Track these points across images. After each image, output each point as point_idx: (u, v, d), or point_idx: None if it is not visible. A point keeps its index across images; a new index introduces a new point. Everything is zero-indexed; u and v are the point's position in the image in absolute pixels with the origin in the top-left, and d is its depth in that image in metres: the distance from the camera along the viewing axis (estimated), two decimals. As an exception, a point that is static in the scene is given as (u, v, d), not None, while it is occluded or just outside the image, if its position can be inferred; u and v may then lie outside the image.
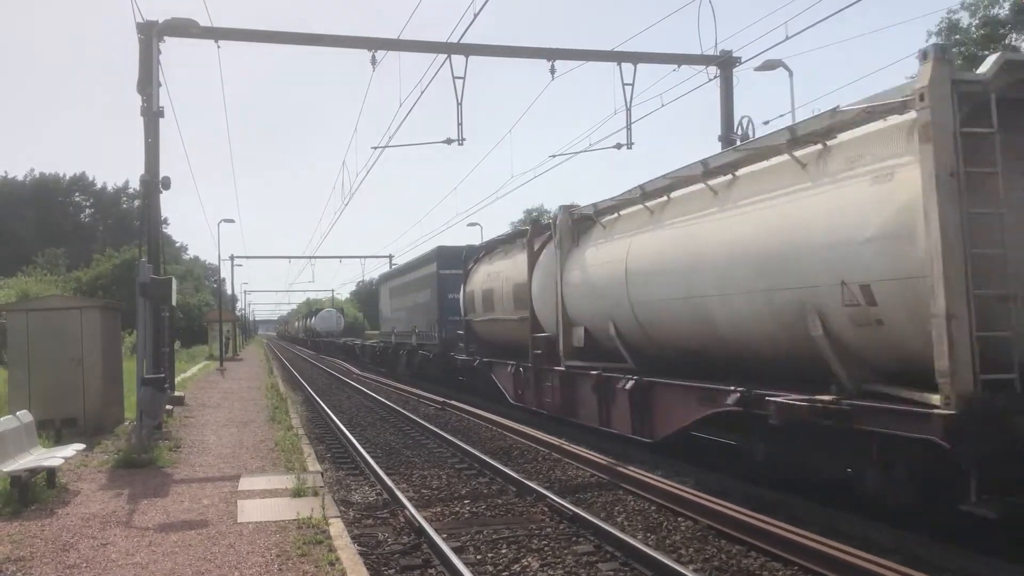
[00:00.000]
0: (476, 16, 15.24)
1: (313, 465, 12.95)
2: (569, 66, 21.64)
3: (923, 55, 7.52)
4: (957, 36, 42.33)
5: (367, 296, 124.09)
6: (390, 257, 68.78)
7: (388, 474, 12.70)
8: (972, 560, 7.43)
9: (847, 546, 7.54)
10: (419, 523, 9.44)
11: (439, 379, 28.76)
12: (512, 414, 19.25)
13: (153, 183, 18.12)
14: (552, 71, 20.79)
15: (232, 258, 66.67)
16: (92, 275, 56.69)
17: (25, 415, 11.90)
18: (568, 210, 16.18)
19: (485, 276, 22.29)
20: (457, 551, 8.42)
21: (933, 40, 42.56)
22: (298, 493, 10.54)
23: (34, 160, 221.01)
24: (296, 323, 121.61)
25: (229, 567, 7.66)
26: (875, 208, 8.06)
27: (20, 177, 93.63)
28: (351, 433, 17.40)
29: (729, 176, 10.99)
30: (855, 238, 8.23)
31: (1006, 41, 42.46)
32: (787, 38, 16.40)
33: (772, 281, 9.56)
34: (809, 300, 8.97)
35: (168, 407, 18.00)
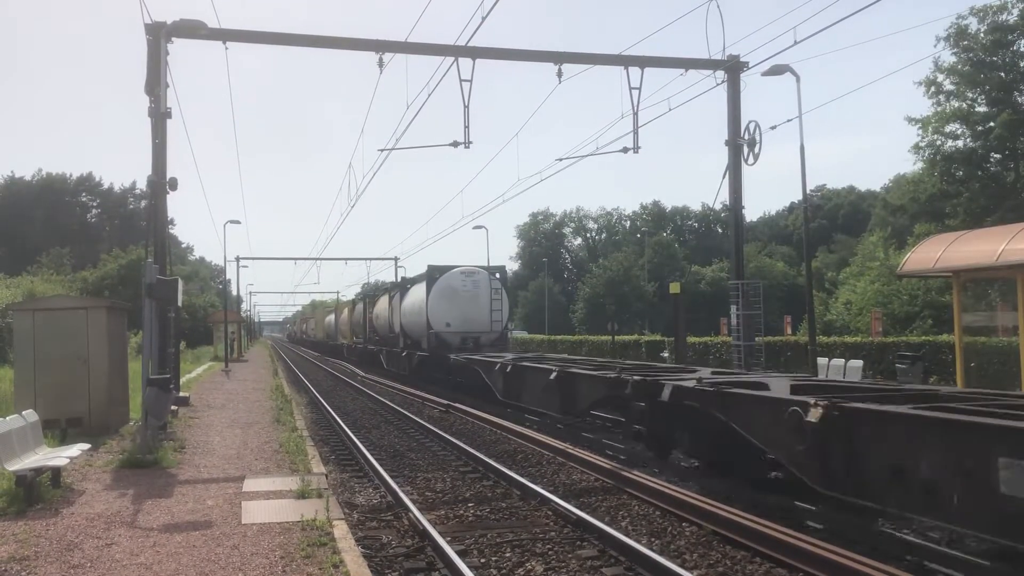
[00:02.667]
0: (484, 19, 15.30)
1: (317, 467, 12.95)
2: (576, 70, 21.67)
3: None
4: (966, 42, 42.29)
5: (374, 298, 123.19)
6: (396, 259, 68.81)
7: (392, 477, 12.69)
8: (980, 567, 7.39)
9: (853, 552, 7.51)
10: (423, 526, 9.43)
11: None
12: (519, 417, 19.22)
13: (160, 184, 18.15)
14: (559, 74, 20.81)
15: (238, 259, 66.76)
16: (98, 275, 56.87)
17: (31, 414, 11.92)
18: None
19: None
20: (461, 554, 8.41)
21: (942, 45, 42.55)
22: (302, 495, 10.54)
23: (41, 160, 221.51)
24: (329, 319, 75.21)
25: (233, 568, 7.66)
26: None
27: (27, 177, 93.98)
28: (355, 435, 17.40)
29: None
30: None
31: (1014, 47, 42.42)
32: (795, 43, 16.45)
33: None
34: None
35: (173, 408, 17.99)
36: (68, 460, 11.44)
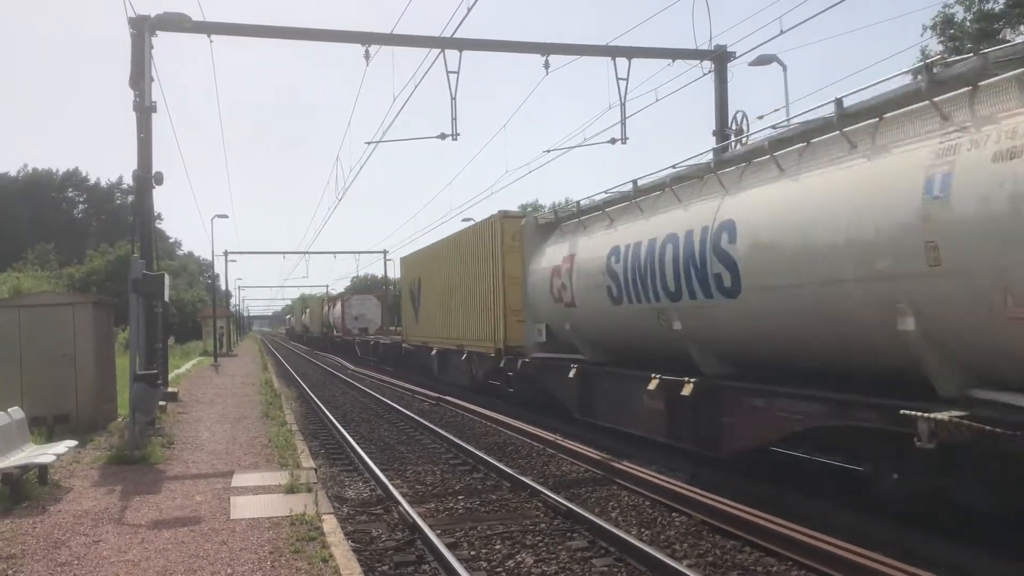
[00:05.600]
0: (470, 10, 15.23)
1: (307, 461, 12.91)
2: (563, 61, 21.59)
3: None
4: (952, 30, 42.40)
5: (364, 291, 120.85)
6: (384, 252, 68.60)
7: (382, 470, 12.67)
8: (967, 555, 7.42)
9: (842, 541, 7.53)
10: (413, 519, 9.42)
11: None
12: (509, 409, 19.22)
13: (146, 179, 18.03)
14: (546, 66, 20.73)
15: (226, 253, 66.36)
16: (85, 271, 56.58)
17: (17, 412, 11.85)
18: None
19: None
20: (451, 547, 8.40)
21: (928, 34, 42.71)
22: (291, 489, 10.49)
23: (27, 156, 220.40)
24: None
25: (222, 564, 7.62)
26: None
27: (13, 173, 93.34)
28: (345, 429, 17.37)
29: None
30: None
31: (1001, 35, 42.54)
32: (781, 32, 16.42)
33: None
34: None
35: (161, 403, 17.92)
36: (55, 457, 11.37)
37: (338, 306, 58.89)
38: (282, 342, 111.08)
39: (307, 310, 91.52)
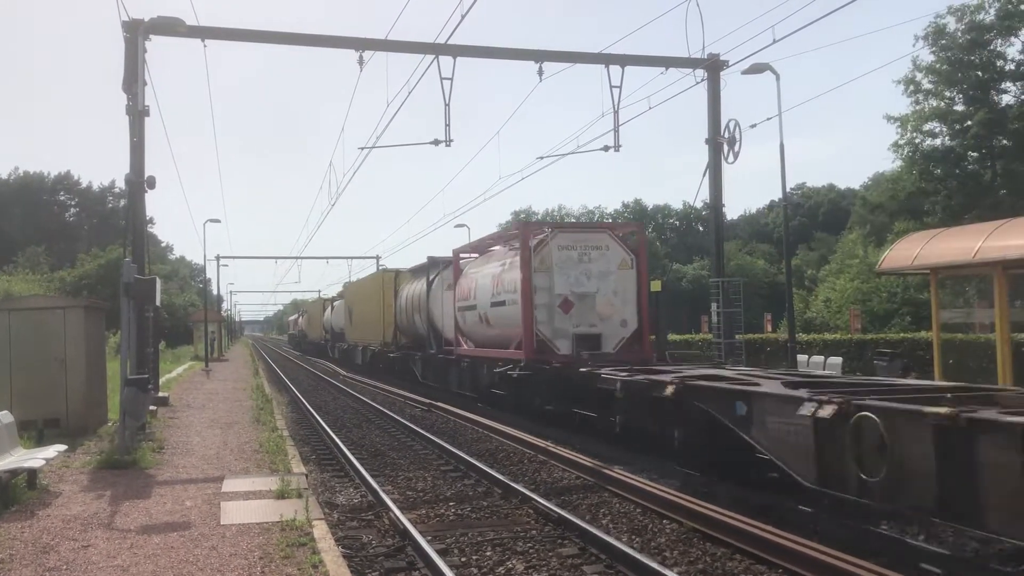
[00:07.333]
0: (464, 17, 15.28)
1: (297, 467, 12.88)
2: (557, 68, 21.71)
3: None
4: (944, 41, 42.67)
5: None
6: (377, 258, 68.44)
7: (373, 476, 12.64)
8: (960, 564, 7.45)
9: (832, 549, 7.54)
10: (404, 525, 9.40)
11: None
12: (500, 416, 19.22)
13: (138, 183, 18.04)
14: (540, 73, 20.86)
15: (218, 258, 66.40)
16: (77, 274, 56.43)
17: (6, 416, 11.78)
18: None
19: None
20: (442, 553, 8.38)
21: (920, 44, 43.01)
22: (282, 495, 10.47)
23: (18, 158, 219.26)
24: None
25: (212, 569, 7.59)
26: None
27: (4, 176, 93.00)
28: (336, 434, 17.33)
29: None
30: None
31: (991, 46, 42.83)
32: (774, 41, 16.53)
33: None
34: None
35: (152, 408, 17.87)
36: (44, 461, 11.31)
37: (490, 270, 21.24)
38: (274, 348, 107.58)
39: (332, 306, 54.17)
